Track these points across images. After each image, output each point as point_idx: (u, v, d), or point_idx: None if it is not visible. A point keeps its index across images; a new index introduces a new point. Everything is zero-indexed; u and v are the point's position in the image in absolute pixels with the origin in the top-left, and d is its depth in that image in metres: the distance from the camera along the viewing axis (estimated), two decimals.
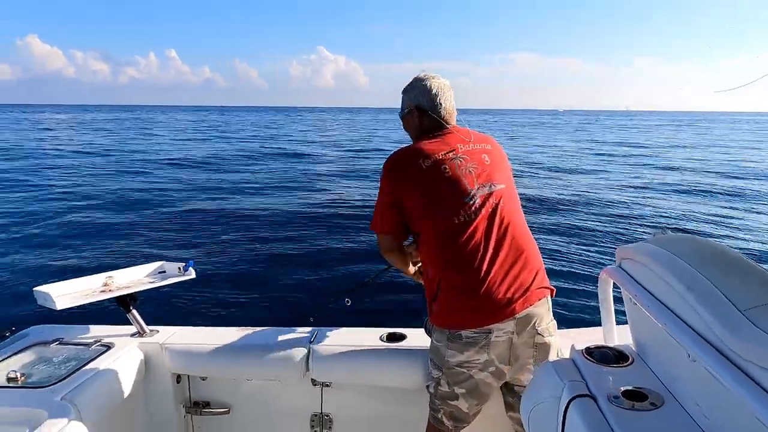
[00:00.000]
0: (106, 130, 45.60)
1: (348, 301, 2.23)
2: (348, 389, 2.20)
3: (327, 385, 2.20)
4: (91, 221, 9.92)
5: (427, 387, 1.88)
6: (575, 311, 5.38)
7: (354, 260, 7.58)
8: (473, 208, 1.66)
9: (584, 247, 8.54)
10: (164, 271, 2.40)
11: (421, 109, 1.81)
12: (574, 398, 1.13)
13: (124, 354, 2.06)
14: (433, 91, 1.80)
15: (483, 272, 1.61)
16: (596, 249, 8.44)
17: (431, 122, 1.81)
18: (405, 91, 1.88)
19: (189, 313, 5.49)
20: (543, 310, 1.69)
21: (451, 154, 1.72)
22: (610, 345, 1.41)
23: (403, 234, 1.80)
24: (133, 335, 2.23)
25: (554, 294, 1.76)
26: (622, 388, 1.13)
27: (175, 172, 17.69)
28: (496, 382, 1.72)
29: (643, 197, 13.82)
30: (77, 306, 2.04)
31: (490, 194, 1.69)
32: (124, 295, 2.17)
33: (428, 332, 1.83)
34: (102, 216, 10.40)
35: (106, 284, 2.21)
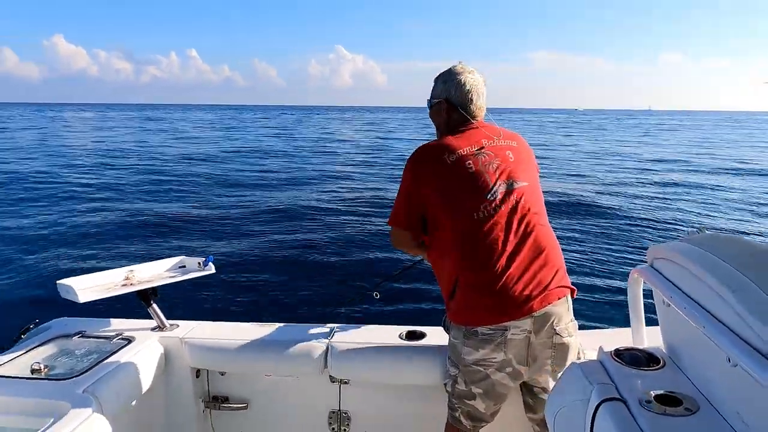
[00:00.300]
0: (127, 127, 46.50)
1: (377, 295, 2.24)
2: (366, 387, 2.18)
3: (345, 383, 2.19)
4: (113, 217, 10.10)
5: (445, 385, 1.86)
6: (599, 312, 5.29)
7: (374, 257, 7.57)
8: (493, 204, 1.63)
9: (611, 247, 8.39)
10: (184, 266, 2.42)
11: (450, 103, 1.78)
12: (603, 401, 1.09)
13: (145, 348, 2.08)
14: (467, 87, 1.76)
15: (501, 269, 1.59)
16: (624, 249, 8.29)
17: (459, 117, 1.78)
18: (438, 80, 1.83)
19: (208, 308, 5.55)
20: (562, 310, 1.65)
21: (475, 150, 1.69)
22: (640, 347, 1.36)
23: (420, 230, 1.78)
24: (153, 329, 2.24)
25: (575, 294, 1.71)
26: (654, 392, 1.09)
27: (196, 169, 17.92)
28: (513, 382, 1.69)
29: (674, 197, 13.52)
30: (99, 299, 2.06)
31: (511, 191, 1.66)
32: (144, 290, 2.19)
33: (446, 329, 1.81)
34: (123, 211, 10.58)
35: (127, 278, 2.23)
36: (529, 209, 1.66)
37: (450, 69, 1.82)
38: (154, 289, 2.22)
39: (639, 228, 10.10)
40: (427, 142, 1.77)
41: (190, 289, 5.73)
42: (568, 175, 17.34)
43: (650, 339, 1.45)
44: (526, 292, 1.58)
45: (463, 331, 1.66)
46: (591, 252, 7.96)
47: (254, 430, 2.31)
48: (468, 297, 1.64)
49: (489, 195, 1.63)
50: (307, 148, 26.96)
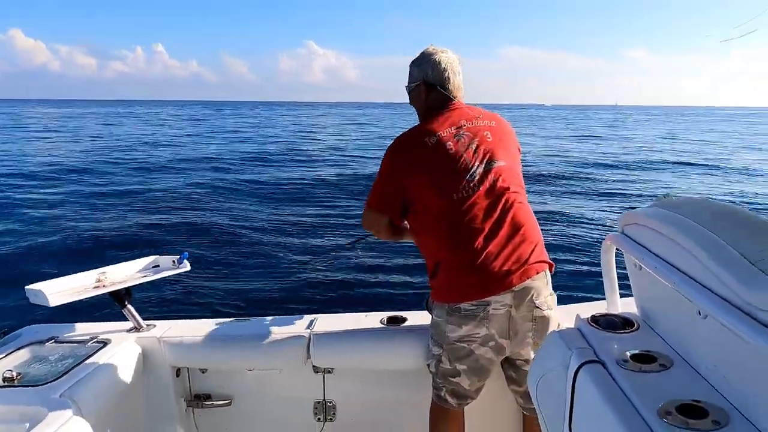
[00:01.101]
0: (93, 124, 45.09)
1: (354, 246, 2.36)
2: (350, 375, 2.19)
3: (329, 372, 2.19)
4: (80, 219, 9.82)
5: (428, 366, 1.88)
6: (577, 284, 5.41)
7: (342, 247, 7.57)
8: (472, 184, 1.66)
9: (585, 221, 8.57)
10: (158, 265, 2.37)
11: (428, 83, 1.80)
12: (582, 364, 1.12)
13: (122, 349, 2.03)
14: (442, 66, 1.78)
15: (480, 247, 1.62)
16: (597, 221, 8.49)
17: (438, 97, 1.80)
18: (413, 65, 1.85)
19: (186, 306, 5.47)
20: (541, 284, 1.69)
21: (454, 131, 1.72)
22: (615, 312, 1.40)
23: (399, 215, 1.80)
24: (129, 330, 2.19)
25: (553, 269, 1.76)
26: (630, 353, 1.13)
27: (166, 166, 17.53)
28: (497, 357, 1.73)
29: (640, 177, 14.10)
30: (71, 303, 2.00)
31: (489, 171, 1.69)
32: (118, 290, 2.14)
33: (429, 310, 1.84)
34: (91, 213, 10.29)
35: (99, 280, 2.17)
36: (507, 188, 1.69)
37: (423, 52, 1.83)
38: (127, 289, 2.17)
39: (608, 203, 10.40)
40: (408, 129, 1.79)
41: (166, 288, 5.66)
42: (542, 158, 17.68)
43: (625, 308, 1.48)
44: (506, 268, 1.62)
45: (446, 308, 1.69)
46: (566, 227, 8.13)
47: (239, 426, 2.30)
48: (450, 276, 1.68)
49: (468, 176, 1.66)
50: (277, 144, 26.69)
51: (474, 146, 1.70)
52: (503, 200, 1.68)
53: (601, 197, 11.61)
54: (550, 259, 1.75)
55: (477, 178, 1.67)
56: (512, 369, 1.81)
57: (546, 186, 12.73)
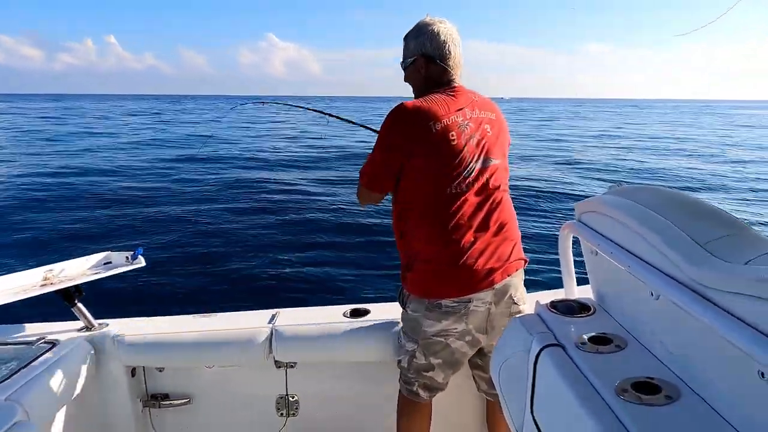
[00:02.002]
0: (41, 118, 42.91)
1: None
2: (313, 368, 2.17)
3: (291, 366, 2.16)
4: (25, 214, 9.33)
5: (399, 362, 1.85)
6: (536, 275, 5.54)
7: (311, 239, 7.50)
8: (467, 181, 1.62)
9: (542, 213, 8.79)
10: (110, 262, 2.27)
11: (427, 57, 1.67)
12: (543, 348, 1.16)
13: (72, 350, 1.94)
14: (441, 37, 1.65)
15: (467, 244, 1.61)
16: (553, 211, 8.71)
17: (439, 73, 1.68)
18: (408, 38, 1.71)
19: (141, 303, 5.29)
20: (519, 280, 1.72)
21: (459, 120, 1.62)
22: (572, 298, 1.45)
23: (389, 191, 1.71)
24: (80, 330, 2.10)
25: (527, 264, 1.78)
26: (587, 335, 1.17)
27: (118, 160, 16.88)
28: (471, 350, 1.74)
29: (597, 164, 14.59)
30: (15, 302, 1.89)
31: (484, 169, 1.65)
32: (67, 288, 2.03)
33: (402, 303, 1.77)
34: (37, 208, 9.80)
35: (46, 278, 2.06)
36: (497, 187, 1.68)
37: (419, 23, 1.70)
38: (77, 287, 2.07)
39: (564, 191, 10.71)
40: (412, 101, 1.64)
41: (119, 285, 5.46)
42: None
43: (582, 294, 1.53)
44: (489, 266, 1.62)
45: (425, 303, 1.66)
46: (525, 216, 8.31)
47: (199, 426, 2.24)
48: (433, 270, 1.64)
49: (465, 171, 1.61)
50: (236, 138, 26.16)
51: (475, 140, 1.63)
52: (492, 198, 1.66)
53: (558, 186, 11.98)
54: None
55: (473, 175, 1.62)
56: (479, 356, 1.82)
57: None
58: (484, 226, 1.63)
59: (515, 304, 1.71)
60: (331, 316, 2.10)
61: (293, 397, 2.20)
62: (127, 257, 2.25)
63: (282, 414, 2.21)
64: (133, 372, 2.16)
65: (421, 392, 1.81)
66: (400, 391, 1.88)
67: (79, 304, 2.09)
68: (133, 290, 5.49)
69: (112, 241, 7.42)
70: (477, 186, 1.63)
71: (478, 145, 1.64)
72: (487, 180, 1.65)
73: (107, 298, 5.16)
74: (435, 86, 1.68)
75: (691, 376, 0.95)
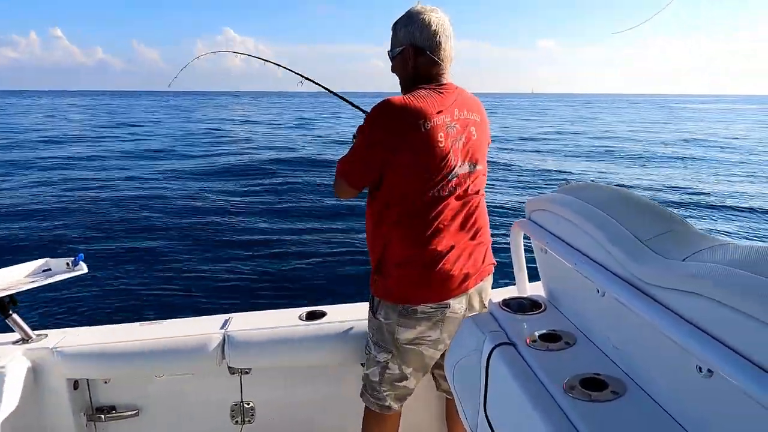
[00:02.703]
0: None
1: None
2: (269, 374, 2.12)
3: (246, 372, 2.11)
4: None
5: (368, 375, 1.76)
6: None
7: (262, 242, 7.36)
8: (450, 185, 1.57)
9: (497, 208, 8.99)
10: (49, 269, 2.14)
11: (417, 47, 1.57)
12: (495, 347, 1.17)
13: (8, 364, 1.82)
14: (432, 28, 1.55)
15: (445, 248, 1.57)
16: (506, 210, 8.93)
17: (428, 66, 1.58)
18: (397, 26, 1.61)
19: (83, 312, 5.03)
20: (489, 285, 1.74)
21: (447, 120, 1.54)
22: (524, 295, 1.47)
23: (367, 186, 1.64)
24: (16, 342, 1.97)
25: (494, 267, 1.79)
26: (538, 333, 1.19)
27: (58, 161, 16.00)
28: (440, 354, 1.71)
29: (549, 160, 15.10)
30: None
31: (468, 174, 1.61)
32: (1, 298, 1.90)
33: (373, 310, 1.69)
34: None
35: None
36: (477, 191, 1.66)
37: (409, 11, 1.60)
38: (11, 296, 1.94)
39: (517, 189, 11.02)
40: (400, 96, 1.55)
41: (59, 294, 5.17)
42: None
43: (534, 292, 1.56)
44: (465, 271, 1.60)
45: (399, 309, 1.60)
46: None
47: None
48: (410, 275, 1.58)
49: (450, 175, 1.56)
50: (184, 136, 25.38)
51: (460, 144, 1.57)
52: (471, 203, 1.64)
53: (511, 184, 12.32)
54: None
55: (456, 180, 1.58)
56: (442, 357, 1.79)
57: None
58: (462, 231, 1.61)
59: (485, 307, 1.70)
60: (287, 320, 2.06)
61: (248, 404, 2.15)
62: (67, 264, 2.13)
63: (237, 422, 2.15)
64: (75, 385, 2.04)
65: (393, 404, 1.76)
66: (367, 407, 1.80)
67: (15, 315, 1.96)
68: (73, 299, 5.22)
69: (48, 250, 7.02)
70: (459, 191, 1.59)
71: (462, 148, 1.58)
72: (469, 186, 1.62)
73: (46, 308, 4.88)
74: (423, 80, 1.59)
75: (636, 371, 0.98)
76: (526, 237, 1.48)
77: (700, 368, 0.74)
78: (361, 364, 1.86)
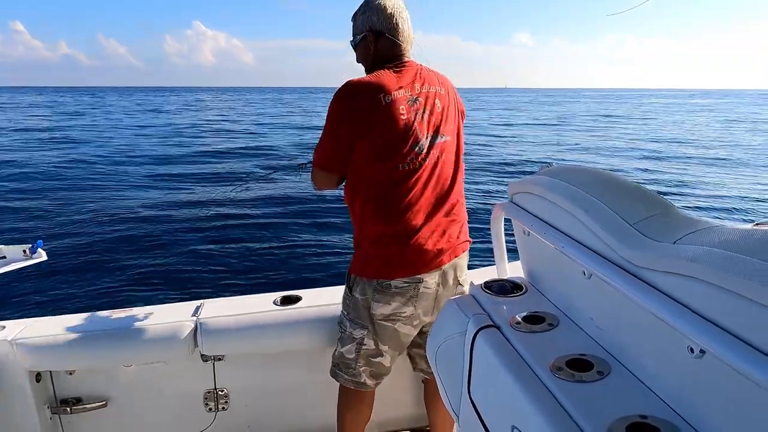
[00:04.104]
0: None
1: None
2: (243, 360, 2.08)
3: (219, 359, 2.06)
4: None
5: (342, 353, 1.76)
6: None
7: (234, 226, 7.23)
8: (419, 157, 1.58)
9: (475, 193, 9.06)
10: (4, 257, 2.02)
11: (376, 31, 1.63)
12: (480, 330, 1.16)
13: None
14: (389, 11, 1.62)
15: (418, 223, 1.58)
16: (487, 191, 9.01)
17: (389, 47, 1.64)
18: (356, 15, 1.68)
19: (45, 302, 4.85)
20: (464, 262, 1.73)
21: (408, 94, 1.58)
22: (505, 278, 1.47)
23: (346, 171, 1.65)
24: None
25: (470, 245, 1.79)
26: (521, 315, 1.19)
27: (15, 151, 15.30)
28: (416, 331, 1.73)
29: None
30: None
31: (435, 145, 1.62)
32: None
33: (349, 287, 1.71)
34: None
35: None
36: (448, 164, 1.66)
37: (365, 0, 1.67)
38: None
39: (496, 173, 11.15)
40: (359, 77, 1.60)
41: (17, 283, 4.95)
42: None
43: (514, 273, 1.56)
44: (438, 246, 1.61)
45: (374, 285, 1.62)
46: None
47: (117, 429, 2.08)
48: (383, 250, 1.61)
49: (417, 147, 1.58)
50: (150, 129, 24.70)
51: (426, 115, 1.60)
52: (443, 177, 1.64)
53: (490, 168, 12.46)
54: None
55: (424, 151, 1.59)
56: (419, 335, 1.79)
57: None
58: (435, 206, 1.62)
59: (461, 285, 1.71)
60: (261, 305, 2.01)
61: (222, 391, 2.10)
62: (24, 251, 2.01)
63: (210, 409, 2.11)
64: (38, 377, 1.95)
65: (368, 381, 1.76)
66: (341, 385, 1.81)
67: None
68: (32, 288, 5.01)
69: (5, 233, 6.72)
70: (428, 164, 1.60)
71: (427, 119, 1.61)
72: (438, 158, 1.62)
73: (2, 299, 4.67)
74: (386, 61, 1.64)
75: (621, 351, 0.99)
76: (506, 219, 1.47)
77: (691, 349, 0.75)
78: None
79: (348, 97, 1.56)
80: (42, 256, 2.02)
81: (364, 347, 1.71)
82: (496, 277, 1.51)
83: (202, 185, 10.11)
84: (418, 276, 1.60)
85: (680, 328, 0.74)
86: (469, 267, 1.91)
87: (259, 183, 10.28)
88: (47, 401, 2.00)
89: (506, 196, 1.45)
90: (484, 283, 1.39)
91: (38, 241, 2.03)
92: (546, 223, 1.18)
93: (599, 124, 30.45)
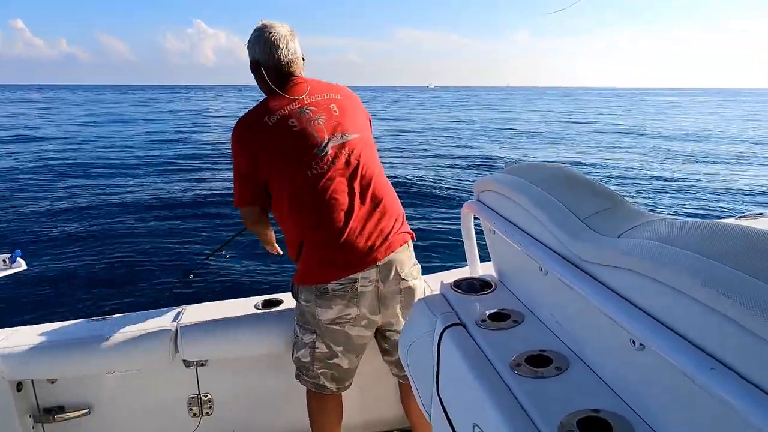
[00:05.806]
0: None
1: (226, 255, 2.30)
2: (226, 365, 2.09)
3: (202, 364, 2.07)
4: None
5: (299, 357, 1.80)
6: (443, 254, 5.72)
7: (206, 234, 7.18)
8: (326, 160, 1.62)
9: (447, 192, 9.09)
10: None
11: (259, 62, 1.71)
12: (446, 328, 1.18)
13: None
14: (269, 41, 1.68)
15: (342, 223, 1.60)
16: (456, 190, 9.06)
17: (273, 74, 1.71)
18: (247, 47, 1.75)
19: (24, 311, 4.77)
20: (404, 256, 1.72)
21: (296, 107, 1.65)
22: (476, 276, 1.49)
23: (267, 201, 1.72)
24: None
25: (414, 238, 1.80)
26: (488, 312, 1.20)
27: None
28: (369, 332, 1.74)
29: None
30: None
31: (342, 145, 1.65)
32: None
33: (296, 296, 1.77)
34: None
35: None
36: (363, 161, 1.67)
37: (253, 30, 1.74)
38: None
39: (469, 171, 11.21)
40: (247, 111, 1.70)
41: None
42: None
43: (486, 272, 1.59)
44: (369, 243, 1.62)
45: (314, 291, 1.66)
46: (430, 198, 8.56)
47: None
48: (314, 256, 1.64)
49: (319, 151, 1.61)
50: (136, 132, 24.33)
51: (321, 121, 1.65)
52: (360, 174, 1.66)
53: (463, 166, 12.52)
54: (412, 230, 1.80)
55: (331, 153, 1.63)
56: (384, 341, 1.84)
57: (411, 159, 13.33)
58: (357, 204, 1.64)
59: (404, 280, 1.70)
60: (242, 309, 2.03)
61: (206, 396, 2.11)
62: (4, 260, 2.01)
63: (195, 414, 2.12)
64: (19, 387, 1.95)
65: (328, 384, 1.79)
66: (307, 389, 1.84)
67: None
68: (11, 297, 4.94)
69: None
70: (340, 164, 1.64)
71: (324, 124, 1.65)
72: (349, 156, 1.65)
73: None
74: (277, 85, 1.71)
75: (578, 346, 1.01)
76: (476, 217, 1.50)
77: (633, 342, 0.76)
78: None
79: (237, 133, 1.67)
80: (21, 265, 2.02)
81: (317, 350, 1.74)
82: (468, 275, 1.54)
83: (183, 192, 10.01)
84: (352, 276, 1.63)
85: (620, 321, 0.75)
86: (447, 267, 1.95)
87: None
88: (29, 411, 2.00)
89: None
90: (454, 281, 1.40)
91: (17, 251, 2.03)
92: (507, 220, 1.20)
93: (599, 124, 30.77)
